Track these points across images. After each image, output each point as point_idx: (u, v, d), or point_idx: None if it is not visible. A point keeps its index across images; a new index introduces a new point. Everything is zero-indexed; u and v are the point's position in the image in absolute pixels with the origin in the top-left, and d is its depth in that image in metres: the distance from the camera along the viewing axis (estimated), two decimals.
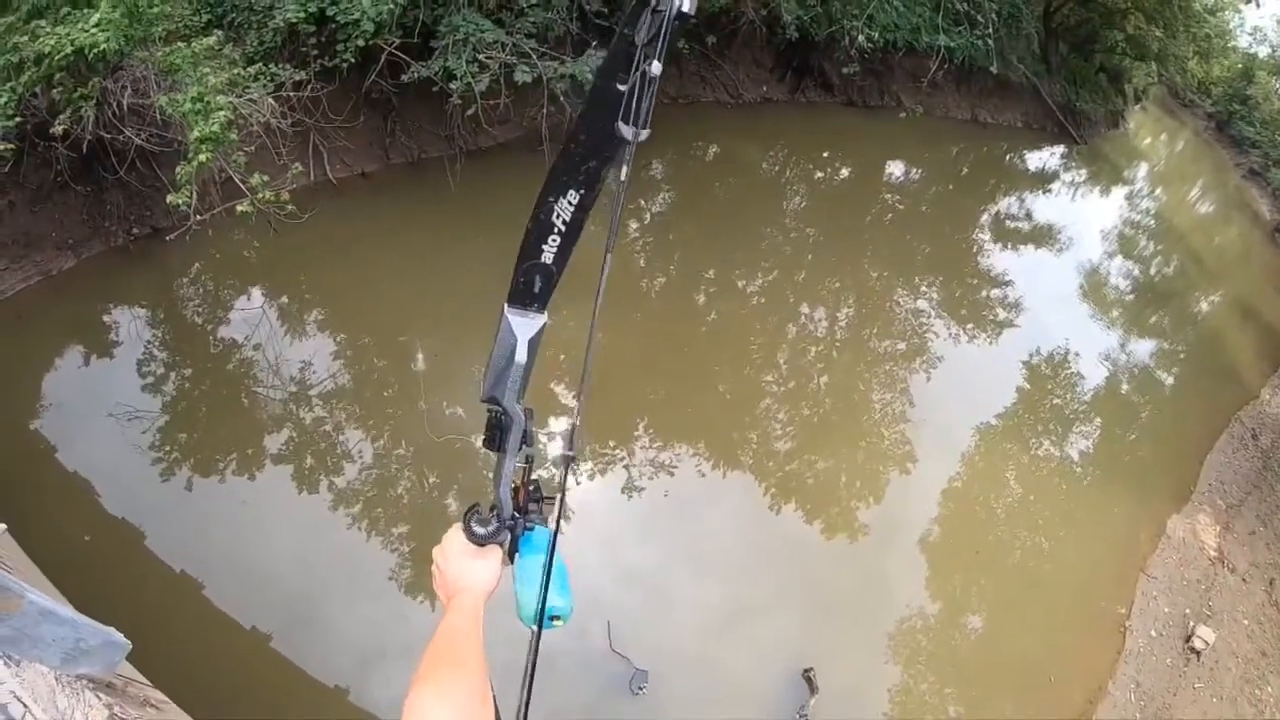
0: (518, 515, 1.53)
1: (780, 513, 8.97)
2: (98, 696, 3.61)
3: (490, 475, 1.57)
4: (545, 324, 1.49)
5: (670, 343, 9.70)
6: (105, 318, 10.57)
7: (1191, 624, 8.85)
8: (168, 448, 8.69)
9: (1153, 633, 8.55)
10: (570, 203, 1.34)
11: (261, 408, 9.13)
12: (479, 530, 1.50)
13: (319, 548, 7.78)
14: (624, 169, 1.31)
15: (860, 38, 13.04)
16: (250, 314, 9.58)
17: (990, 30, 15.69)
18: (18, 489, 6.40)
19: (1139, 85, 27.35)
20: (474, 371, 9.07)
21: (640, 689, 6.54)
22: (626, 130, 1.24)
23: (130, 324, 10.55)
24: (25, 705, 3.11)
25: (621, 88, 1.22)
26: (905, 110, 15.25)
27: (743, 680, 7.01)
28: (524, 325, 1.47)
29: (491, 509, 1.55)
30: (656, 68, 1.18)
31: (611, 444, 8.78)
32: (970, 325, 12.27)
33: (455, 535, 1.53)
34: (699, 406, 9.37)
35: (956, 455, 10.36)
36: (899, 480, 9.87)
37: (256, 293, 9.71)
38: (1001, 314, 12.96)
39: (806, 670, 6.89)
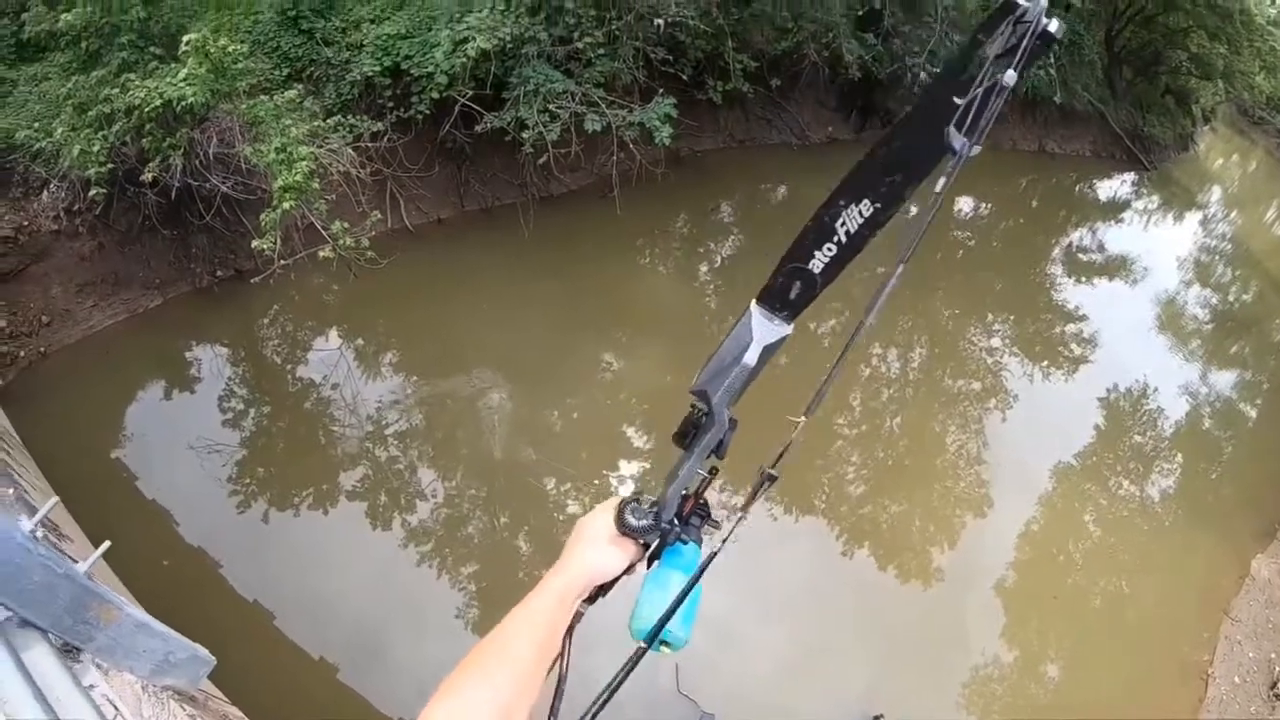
0: (675, 522, 1.42)
1: (853, 557, 8.75)
2: (181, 707, 3.70)
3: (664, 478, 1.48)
4: (787, 335, 1.36)
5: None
6: (188, 354, 11.06)
7: (1277, 669, 8.29)
8: (246, 481, 8.98)
9: (1236, 679, 8.05)
10: (861, 214, 1.20)
11: (337, 445, 9.35)
12: (631, 520, 1.37)
13: (389, 584, 7.89)
14: (946, 180, 1.20)
15: (922, 74, 12.96)
16: (328, 355, 9.88)
17: (1052, 59, 15.42)
18: (100, 514, 6.66)
19: (1206, 105, 26.44)
20: (548, 415, 9.14)
21: None
22: (957, 139, 1.12)
23: (212, 361, 11.00)
24: (117, 709, 3.18)
25: (959, 100, 1.10)
26: None
27: None
28: (766, 329, 1.34)
29: (653, 505, 1.43)
30: (1011, 76, 1.06)
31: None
32: (1045, 362, 11.85)
33: (603, 514, 1.39)
34: (769, 449, 9.17)
35: (1033, 497, 9.99)
36: (974, 524, 9.54)
37: (334, 334, 10.02)
38: (1076, 350, 12.50)
39: (877, 717, 6.68)
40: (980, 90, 1.10)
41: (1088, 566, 9.25)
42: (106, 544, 3.77)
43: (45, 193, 11.48)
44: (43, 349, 10.02)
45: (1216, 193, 25.05)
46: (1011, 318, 12.09)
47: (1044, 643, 8.02)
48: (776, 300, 1.33)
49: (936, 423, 10.19)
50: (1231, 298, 18.17)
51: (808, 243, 1.27)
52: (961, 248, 13.37)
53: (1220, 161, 29.17)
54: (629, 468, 8.93)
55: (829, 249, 1.27)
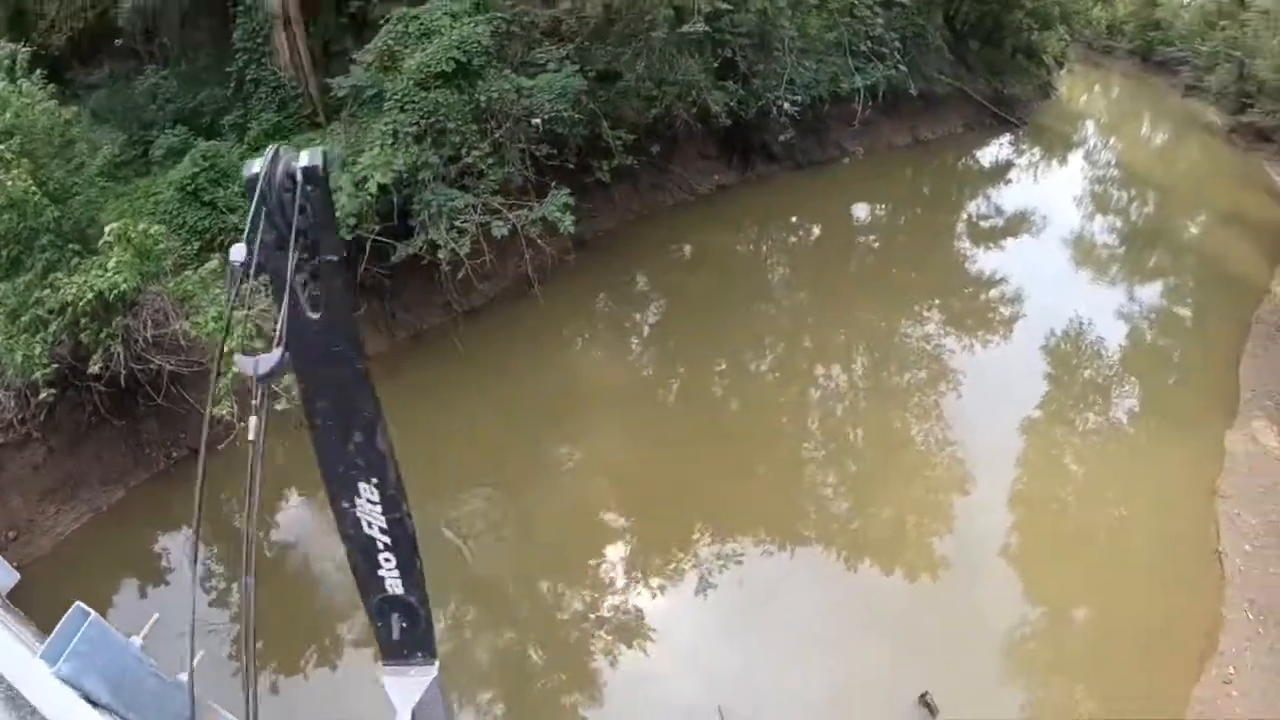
0: None
1: (858, 570, 8.88)
2: None
3: None
4: (436, 677, 1.13)
5: (702, 439, 9.82)
6: (161, 543, 10.79)
7: None
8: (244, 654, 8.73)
9: (1247, 547, 8.44)
10: (370, 500, 1.04)
11: (328, 599, 9.19)
12: None
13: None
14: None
15: (785, 105, 13.75)
16: (299, 511, 9.79)
17: (898, 58, 16.54)
18: None
19: (1055, 52, 28.35)
20: (523, 519, 9.16)
21: None
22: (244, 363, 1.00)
23: (185, 545, 10.75)
24: None
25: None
26: (848, 155, 15.87)
27: None
28: (405, 688, 1.11)
29: None
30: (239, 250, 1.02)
31: (674, 552, 8.78)
32: (980, 332, 12.39)
33: None
34: (748, 493, 9.41)
35: (1009, 459, 10.28)
36: (963, 503, 9.76)
37: (296, 493, 9.93)
38: (1006, 311, 13.09)
39: (923, 695, 6.85)
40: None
41: (1080, 504, 9.53)
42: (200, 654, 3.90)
43: None
44: (15, 564, 9.70)
45: (1090, 127, 26.75)
46: (937, 301, 12.65)
47: (1063, 589, 8.23)
48: (391, 648, 1.12)
49: (897, 420, 10.52)
50: (1134, 216, 19.28)
51: (362, 568, 1.07)
52: (869, 252, 14.02)
53: (1084, 97, 31.22)
54: (615, 550, 9.00)
55: (386, 559, 1.08)
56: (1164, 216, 18.81)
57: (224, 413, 8.69)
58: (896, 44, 16.74)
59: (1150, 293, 14.89)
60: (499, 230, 9.62)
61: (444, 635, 8.37)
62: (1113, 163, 23.46)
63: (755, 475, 9.52)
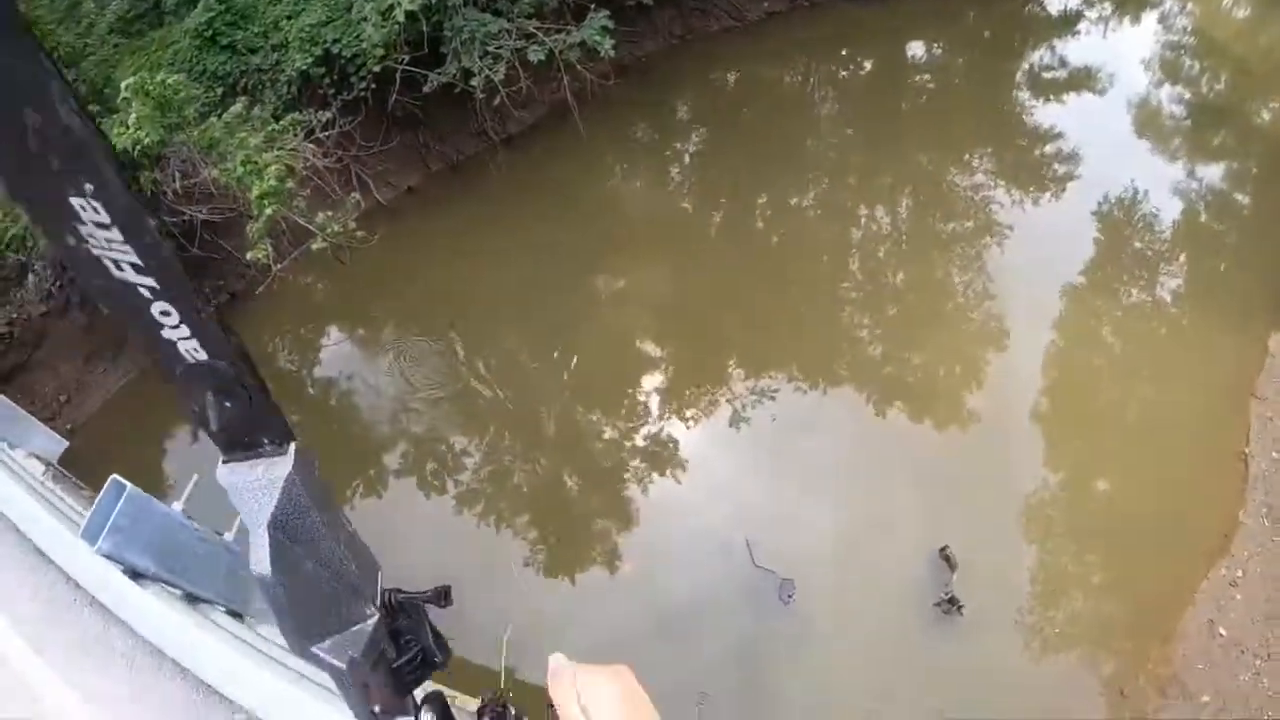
0: None
1: (887, 415, 8.95)
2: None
3: None
4: (296, 466, 0.82)
5: (741, 274, 9.73)
6: None
7: None
8: None
9: (1275, 454, 8.15)
10: (98, 222, 0.67)
11: (371, 432, 9.59)
12: None
13: (452, 547, 8.20)
14: None
15: None
16: (339, 349, 10.05)
17: None
18: None
19: None
20: (563, 350, 9.28)
21: (789, 598, 6.86)
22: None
23: None
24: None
25: None
26: None
27: (884, 572, 7.19)
28: (254, 490, 0.81)
29: None
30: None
31: (709, 385, 8.90)
32: (1031, 188, 11.79)
33: None
34: (785, 331, 9.39)
35: (1048, 322, 10.07)
36: (997, 359, 9.68)
37: (339, 328, 10.16)
38: (1060, 169, 12.40)
39: (943, 548, 7.05)
40: None
41: (1114, 379, 9.41)
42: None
43: (30, 276, 11.61)
44: (69, 426, 10.24)
45: None
46: (990, 150, 12.01)
47: (1087, 460, 8.23)
48: (223, 439, 0.81)
49: (939, 269, 10.25)
50: (1204, 89, 17.81)
51: (140, 335, 0.75)
52: (924, 92, 13.19)
53: None
54: (651, 381, 9.14)
55: (163, 312, 0.74)
56: (1236, 95, 17.32)
57: (260, 256, 8.78)
58: None
59: (1211, 173, 13.96)
60: (535, 55, 9.18)
61: (481, 463, 8.72)
62: (1189, 29, 21.45)
63: (793, 312, 9.47)
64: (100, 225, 0.65)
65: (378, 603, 0.95)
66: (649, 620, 7.11)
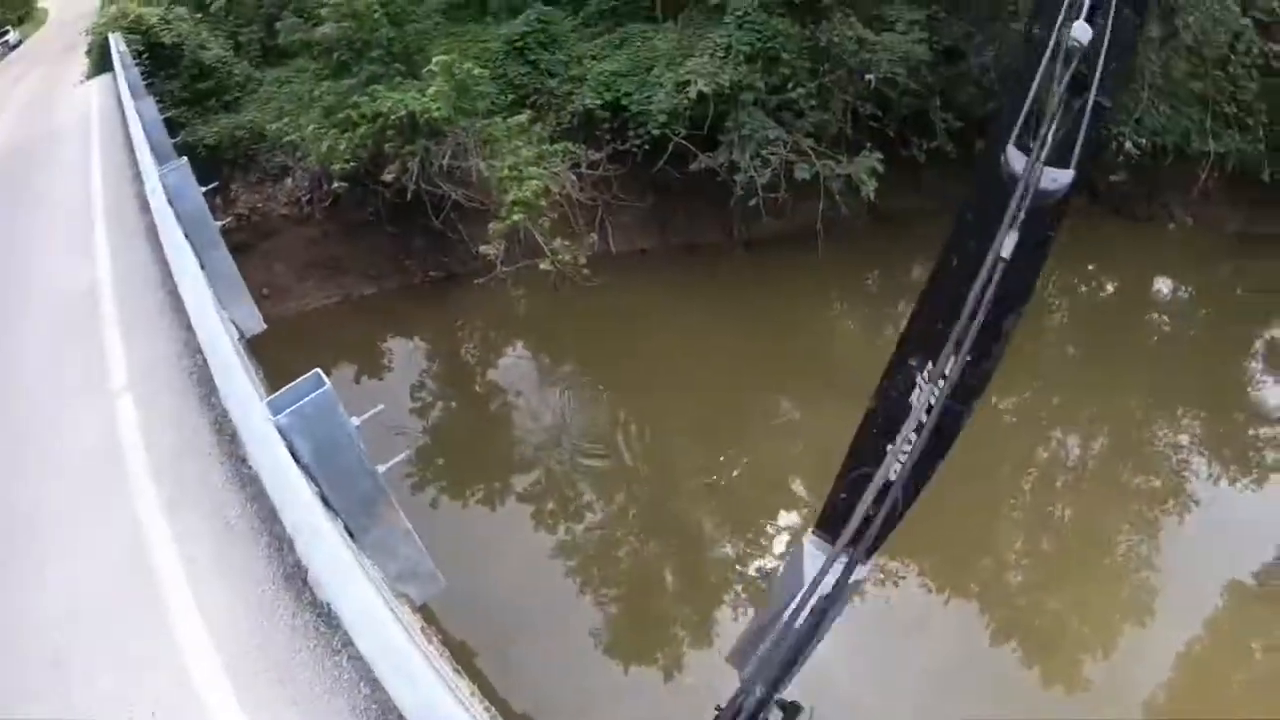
0: None
1: (1000, 647, 8.52)
2: (412, 610, 4.32)
3: None
4: (861, 581, 0.88)
5: None
6: (388, 344, 12.12)
7: None
8: (422, 465, 9.86)
9: None
10: (944, 374, 0.73)
11: (515, 449, 10.06)
12: None
13: (534, 585, 8.39)
14: (1007, 223, 0.78)
15: (1128, 144, 12.31)
16: (521, 362, 10.65)
17: (1262, 133, 14.23)
18: None
19: None
20: (720, 451, 9.41)
21: None
22: (1017, 159, 0.78)
23: (412, 352, 12.03)
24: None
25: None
26: (1174, 221, 14.10)
27: None
28: (815, 563, 0.93)
29: None
30: (1082, 29, 0.78)
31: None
32: (1234, 467, 10.97)
33: None
34: (935, 521, 9.09)
35: (1199, 613, 9.24)
36: (1132, 633, 8.91)
37: (527, 345, 10.74)
38: (1271, 456, 11.48)
39: None
40: (1049, 96, 0.79)
41: (1245, 698, 8.62)
42: (404, 454, 4.40)
43: (289, 180, 13.01)
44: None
45: None
46: (1202, 414, 11.28)
47: None
48: (835, 523, 0.93)
49: (1109, 520, 9.70)
50: None
51: (870, 433, 0.87)
52: (1156, 332, 12.59)
53: None
54: (788, 517, 9.13)
55: (907, 440, 0.85)
56: None
57: (491, 253, 9.43)
58: (1264, 116, 14.36)
59: None
60: (802, 172, 9.53)
61: (595, 523, 8.90)
62: None
63: (951, 505, 9.20)
64: (944, 375, 0.90)
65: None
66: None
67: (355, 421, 4.07)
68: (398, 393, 10.59)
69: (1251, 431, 11.68)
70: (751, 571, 8.60)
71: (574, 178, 9.80)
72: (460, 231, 10.77)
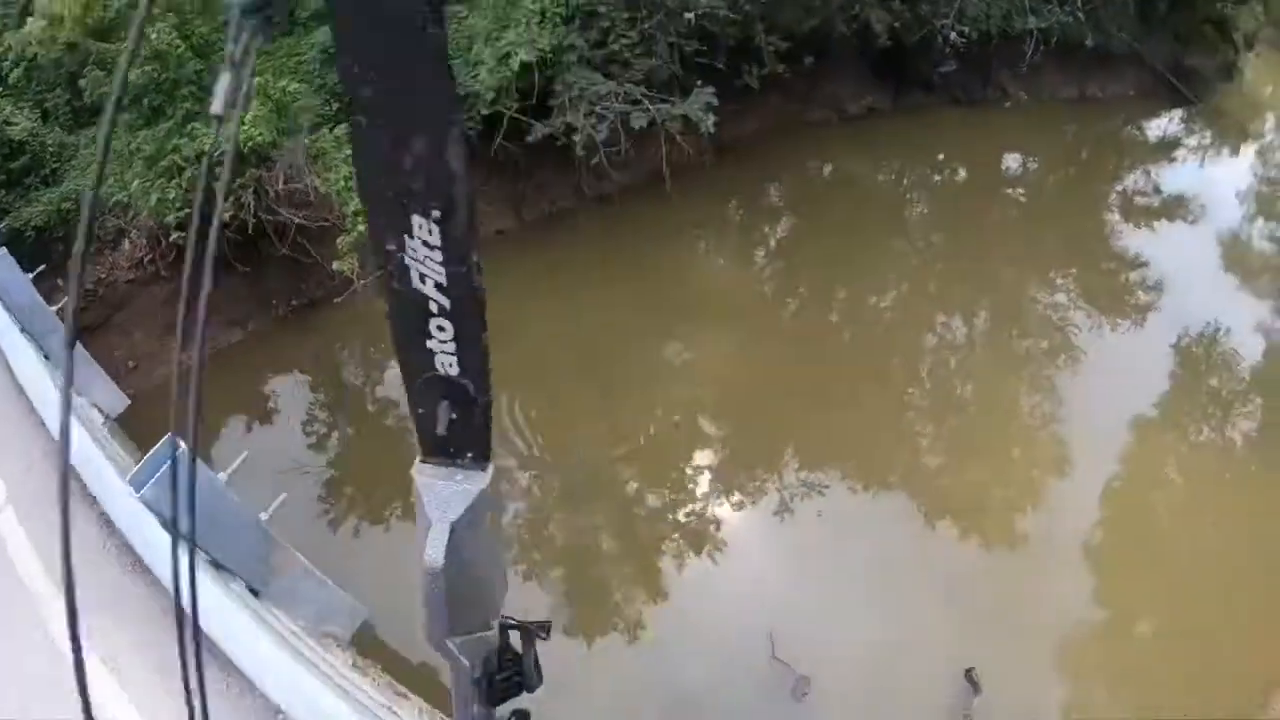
0: None
1: (935, 527, 8.76)
2: (340, 649, 4.12)
3: None
4: (487, 488, 0.86)
5: (809, 365, 9.71)
6: (269, 386, 11.57)
7: None
8: (333, 498, 9.44)
9: None
10: (427, 241, 0.72)
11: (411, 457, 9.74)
12: None
13: None
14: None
15: (952, 34, 12.79)
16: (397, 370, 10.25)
17: (1079, 4, 15.01)
18: None
19: (1248, 31, 25.23)
20: (621, 409, 9.34)
21: (804, 695, 6.72)
22: None
23: (294, 389, 11.50)
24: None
25: None
26: (1009, 99, 14.77)
27: (904, 683, 6.96)
28: (445, 497, 0.84)
29: None
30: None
31: (759, 470, 8.84)
32: (1112, 313, 11.58)
33: None
34: (844, 426, 9.30)
35: (1112, 452, 9.78)
36: (1055, 485, 9.41)
37: None
38: (1143, 297, 12.17)
39: (969, 670, 6.81)
40: None
41: (1173, 519, 9.07)
42: (281, 498, 4.17)
43: (126, 242, 12.19)
44: (131, 392, 10.56)
45: (1270, 121, 23.89)
46: (1074, 270, 11.87)
47: (1133, 599, 7.91)
48: (434, 443, 0.85)
49: (1008, 386, 10.09)
50: None
51: (405, 337, 0.79)
52: (1013, 205, 13.17)
53: (1270, 89, 27.72)
54: (703, 456, 9.12)
55: (439, 327, 0.78)
56: None
57: (345, 269, 9.09)
58: None
59: None
60: (638, 121, 9.45)
61: (514, 514, 8.73)
62: None
63: (855, 410, 9.40)
64: (427, 244, 0.74)
65: (498, 620, 1.06)
66: (653, 692, 7.01)
67: (222, 477, 3.88)
68: (292, 431, 10.16)
69: (1121, 278, 12.36)
70: (681, 517, 8.56)
71: None
72: (313, 254, 10.29)
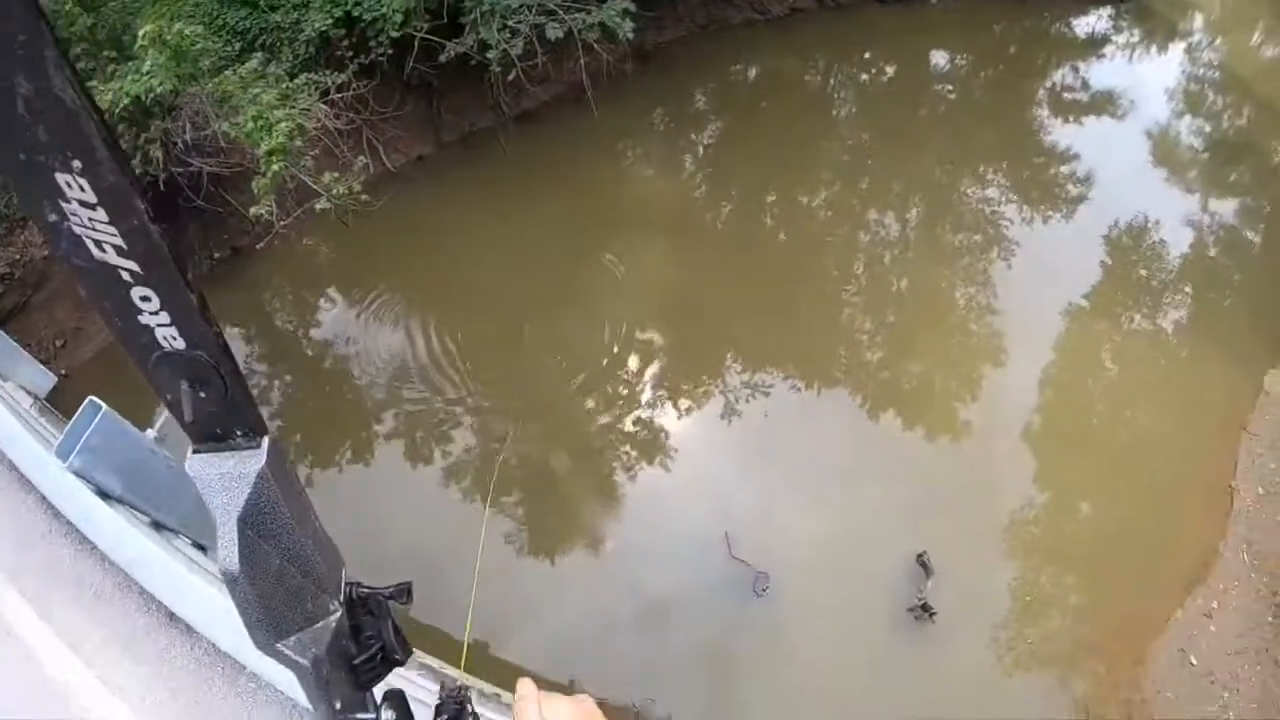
0: None
1: (879, 420, 8.96)
2: None
3: None
4: (267, 463, 0.79)
5: (745, 268, 9.72)
6: None
7: None
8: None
9: (1260, 490, 8.17)
10: (84, 201, 0.65)
11: (364, 397, 9.58)
12: None
13: (435, 517, 8.19)
14: None
15: None
16: (337, 312, 10.04)
17: None
18: None
19: None
20: (561, 327, 9.26)
21: (763, 590, 6.94)
22: None
23: (229, 342, 11.18)
24: None
25: None
26: None
27: (861, 572, 7.23)
28: (225, 482, 0.79)
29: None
30: None
31: (703, 375, 8.89)
32: (1043, 206, 11.77)
33: None
34: (784, 328, 9.38)
35: (1048, 341, 10.07)
36: (993, 374, 9.68)
37: (335, 291, 10.14)
38: (1073, 190, 12.37)
39: (920, 554, 7.09)
40: None
41: (1108, 403, 9.41)
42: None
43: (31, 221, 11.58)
44: (63, 371, 10.23)
45: (1198, 20, 24.16)
46: (1005, 165, 11.98)
47: (1073, 480, 8.25)
48: (195, 430, 0.78)
49: (943, 280, 10.23)
50: (1225, 124, 17.71)
51: (115, 317, 0.72)
52: (943, 102, 13.15)
53: None
54: (646, 367, 9.13)
55: (143, 297, 0.71)
56: (1256, 134, 17.25)
57: (263, 213, 8.76)
58: None
59: (1224, 208, 13.91)
60: (553, 32, 9.13)
61: (464, 442, 8.67)
62: (1215, 63, 21.33)
63: (794, 310, 9.47)
64: (85, 204, 0.65)
65: (341, 597, 0.93)
66: (619, 602, 7.15)
67: (151, 434, 3.67)
68: None
69: (1051, 171, 12.54)
70: (630, 426, 8.60)
71: (325, 107, 9.04)
72: (231, 202, 9.88)
